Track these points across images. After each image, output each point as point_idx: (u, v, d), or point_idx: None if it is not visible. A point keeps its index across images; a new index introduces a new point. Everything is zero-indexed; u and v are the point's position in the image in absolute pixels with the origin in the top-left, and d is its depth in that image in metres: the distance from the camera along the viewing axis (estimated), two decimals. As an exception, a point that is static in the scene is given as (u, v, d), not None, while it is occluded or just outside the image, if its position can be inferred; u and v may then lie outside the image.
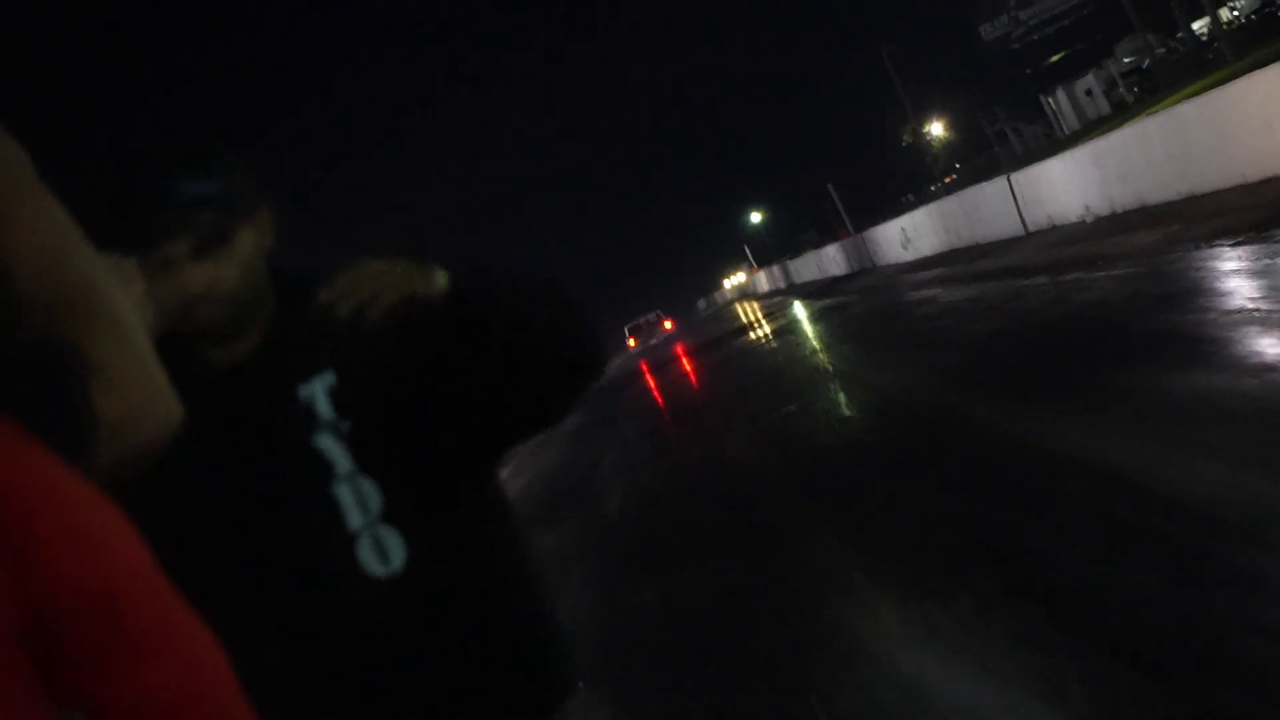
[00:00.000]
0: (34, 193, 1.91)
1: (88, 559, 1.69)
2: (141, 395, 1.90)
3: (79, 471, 1.76)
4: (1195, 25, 48.40)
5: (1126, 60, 56.08)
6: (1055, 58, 70.72)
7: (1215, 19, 45.95)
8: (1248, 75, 19.33)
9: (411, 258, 2.22)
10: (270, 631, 2.22)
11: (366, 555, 2.24)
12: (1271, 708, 4.31)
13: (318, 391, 2.28)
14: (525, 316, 2.29)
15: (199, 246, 2.19)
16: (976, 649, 5.98)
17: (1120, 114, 41.79)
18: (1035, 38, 77.42)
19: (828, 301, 42.64)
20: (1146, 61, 52.19)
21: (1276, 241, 13.19)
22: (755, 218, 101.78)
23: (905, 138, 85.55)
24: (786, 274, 77.20)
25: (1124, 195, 23.30)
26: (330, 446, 2.25)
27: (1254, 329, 10.48)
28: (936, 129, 78.19)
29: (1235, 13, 44.26)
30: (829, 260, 61.15)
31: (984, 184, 35.23)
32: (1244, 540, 5.78)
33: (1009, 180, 31.44)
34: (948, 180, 67.63)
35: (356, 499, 2.24)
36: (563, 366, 2.36)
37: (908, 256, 42.75)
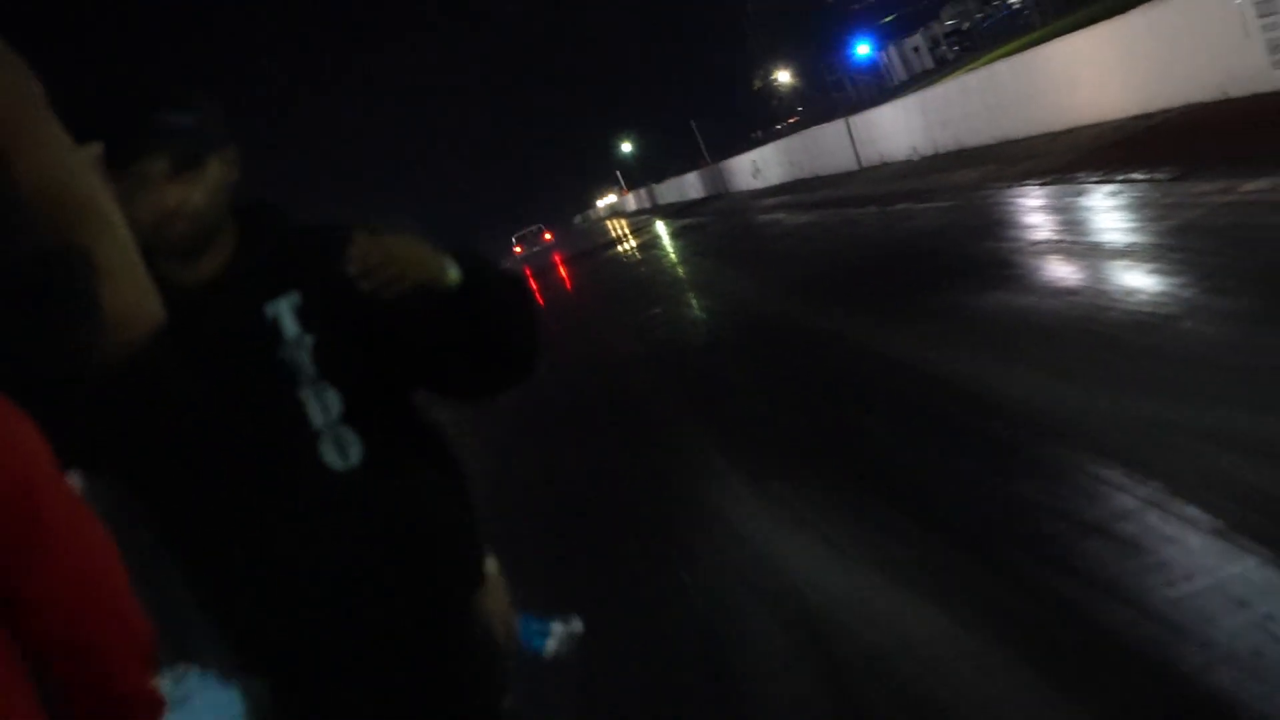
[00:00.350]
0: (45, 119, 1.94)
1: (5, 459, 1.71)
2: (135, 294, 1.93)
3: (87, 358, 1.85)
4: (1009, -5, 48.80)
5: (949, 22, 56.31)
6: (888, 18, 70.79)
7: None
8: (1056, 39, 19.51)
9: (432, 243, 2.25)
10: (242, 521, 2.25)
11: (328, 451, 2.25)
12: (1067, 575, 4.39)
13: (283, 309, 2.27)
14: (502, 315, 2.33)
15: (174, 168, 2.20)
16: (821, 524, 6.03)
17: (943, 69, 42.02)
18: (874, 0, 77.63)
19: (687, 221, 42.55)
20: (966, 24, 52.54)
21: (1077, 183, 13.33)
22: (626, 147, 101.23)
23: (756, 83, 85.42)
24: (652, 196, 76.93)
25: (945, 138, 23.48)
26: (295, 356, 2.26)
27: (1057, 257, 10.62)
28: (784, 76, 78.15)
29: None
30: (689, 186, 61.10)
31: (825, 125, 35.32)
32: (1049, 436, 5.88)
33: (847, 122, 31.54)
34: (791, 120, 67.62)
35: (319, 402, 2.26)
36: (508, 360, 2.40)
37: (757, 185, 42.78)
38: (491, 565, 2.61)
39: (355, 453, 2.27)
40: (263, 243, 2.34)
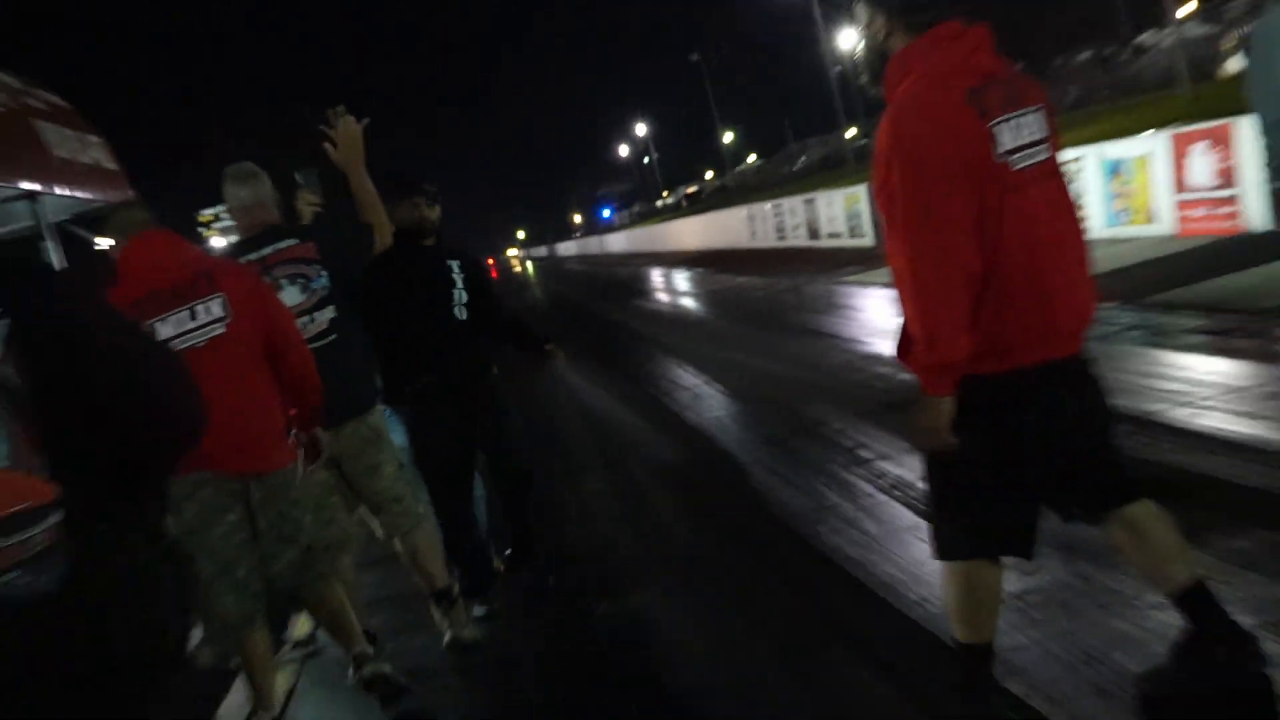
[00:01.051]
0: (361, 159, 1.89)
1: (277, 305, 1.66)
2: (383, 245, 1.93)
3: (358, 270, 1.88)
4: (657, 202, 48.94)
5: (637, 209, 55.76)
6: (617, 199, 69.17)
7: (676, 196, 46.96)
8: (678, 220, 19.41)
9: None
10: (422, 333, 2.12)
11: (458, 310, 2.17)
12: (673, 401, 4.16)
13: (454, 264, 2.21)
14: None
15: (428, 202, 2.14)
16: (598, 379, 5.60)
17: (635, 224, 41.63)
18: (615, 194, 76.44)
19: (540, 263, 41.07)
20: (640, 209, 52.34)
21: (678, 268, 13.10)
22: (520, 234, 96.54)
23: (567, 217, 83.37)
24: (529, 253, 73.95)
25: (635, 248, 22.98)
26: (457, 279, 2.19)
27: (667, 293, 10.46)
28: (578, 218, 76.38)
29: (675, 194, 44.89)
30: (542, 251, 59.03)
31: (591, 237, 34.58)
32: (667, 354, 5.65)
33: (600, 238, 30.78)
34: (578, 234, 65.98)
35: (458, 296, 2.18)
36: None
37: (567, 254, 41.47)
38: (496, 370, 2.37)
39: (466, 315, 2.17)
40: (443, 237, 2.24)
